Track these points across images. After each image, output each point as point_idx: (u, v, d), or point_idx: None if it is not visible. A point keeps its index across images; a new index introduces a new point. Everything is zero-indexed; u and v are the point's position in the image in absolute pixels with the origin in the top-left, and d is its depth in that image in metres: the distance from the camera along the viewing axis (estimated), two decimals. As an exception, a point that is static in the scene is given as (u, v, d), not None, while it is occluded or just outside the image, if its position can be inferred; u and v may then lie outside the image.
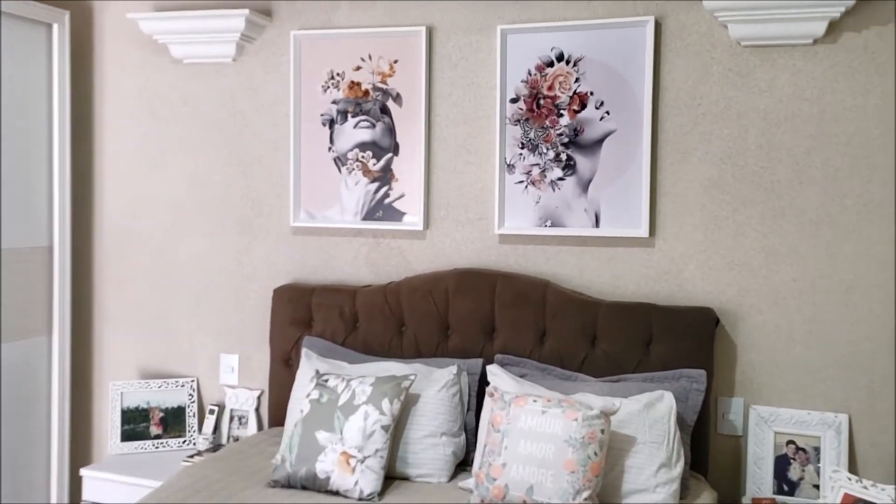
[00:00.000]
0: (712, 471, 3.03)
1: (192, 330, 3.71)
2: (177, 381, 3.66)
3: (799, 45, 2.96)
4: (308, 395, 2.93)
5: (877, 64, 2.89)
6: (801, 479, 2.97)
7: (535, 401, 2.66)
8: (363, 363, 3.17)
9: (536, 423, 2.60)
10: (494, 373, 3.00)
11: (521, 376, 3.00)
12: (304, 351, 3.25)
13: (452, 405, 2.98)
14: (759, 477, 3.01)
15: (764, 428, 3.03)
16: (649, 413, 2.75)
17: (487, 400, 2.88)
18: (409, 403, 2.93)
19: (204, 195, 3.68)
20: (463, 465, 3.00)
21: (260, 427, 3.60)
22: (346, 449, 2.75)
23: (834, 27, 2.89)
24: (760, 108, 3.01)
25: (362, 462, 2.73)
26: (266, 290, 3.56)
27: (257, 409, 3.61)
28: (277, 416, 3.41)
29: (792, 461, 2.99)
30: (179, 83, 3.69)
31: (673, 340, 3.00)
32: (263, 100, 3.58)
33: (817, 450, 2.96)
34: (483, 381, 3.10)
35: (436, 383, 2.99)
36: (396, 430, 2.86)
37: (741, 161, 3.04)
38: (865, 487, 2.63)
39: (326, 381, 2.94)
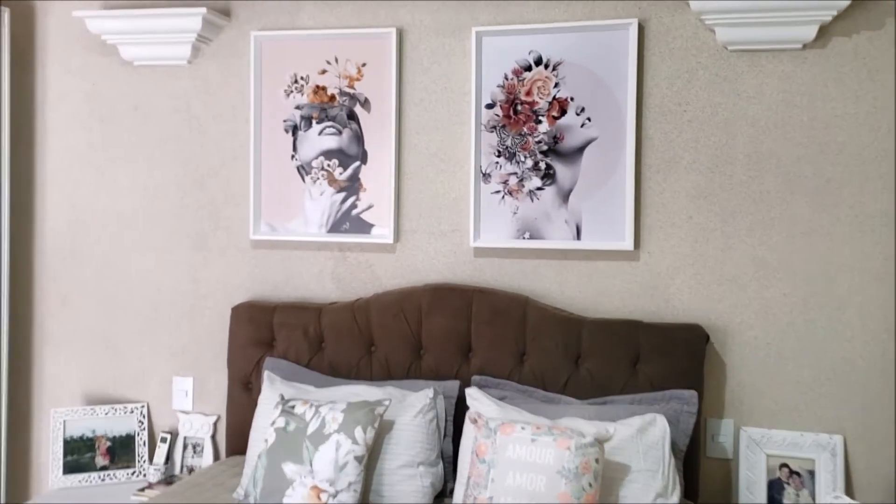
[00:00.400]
0: (703, 496, 2.87)
1: (143, 351, 3.44)
2: (125, 407, 3.38)
3: (788, 50, 2.84)
4: (273, 422, 2.70)
5: (868, 70, 2.78)
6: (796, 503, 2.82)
7: (522, 428, 2.46)
8: (331, 386, 2.95)
9: (526, 452, 2.40)
10: (474, 396, 2.79)
11: (501, 399, 2.81)
12: (265, 374, 3.02)
13: (429, 432, 2.77)
14: (752, 502, 2.85)
15: (756, 451, 2.87)
16: (643, 438, 2.57)
17: (469, 427, 2.68)
18: (383, 431, 2.70)
19: (156, 207, 3.42)
20: (440, 496, 2.78)
21: (217, 456, 3.34)
22: (316, 482, 2.52)
23: (824, 31, 2.78)
24: (749, 115, 2.88)
25: (334, 497, 2.50)
26: (223, 308, 3.32)
27: (213, 437, 3.35)
28: (236, 444, 3.16)
29: (786, 485, 2.84)
30: (130, 87, 3.44)
31: (661, 360, 2.84)
32: (221, 105, 3.34)
33: (812, 473, 2.82)
34: (460, 405, 2.90)
35: (411, 408, 2.78)
36: (369, 461, 2.63)
37: (729, 170, 2.90)
38: (869, 513, 2.49)
39: (293, 407, 2.70)
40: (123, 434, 3.36)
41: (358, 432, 2.58)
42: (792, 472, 2.84)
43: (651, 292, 2.98)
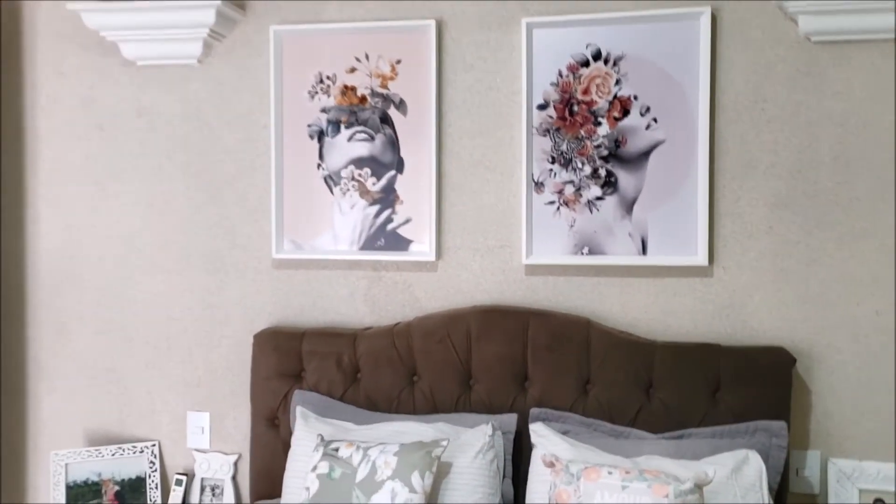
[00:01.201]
0: (788, 537, 2.60)
1: (152, 385, 3.08)
2: (134, 447, 3.02)
3: (878, 41, 2.55)
4: (314, 468, 2.38)
5: (969, 62, 2.51)
6: (894, 544, 2.55)
7: (610, 472, 2.16)
8: (373, 423, 2.63)
9: (617, 501, 2.10)
10: (540, 433, 2.49)
11: (564, 433, 2.51)
12: (298, 409, 2.69)
13: (490, 474, 2.46)
14: (844, 543, 2.58)
15: (846, 485, 2.59)
16: (738, 479, 2.29)
17: (540, 469, 2.39)
18: (439, 475, 2.39)
19: (164, 224, 3.07)
20: (503, 546, 2.48)
21: (238, 499, 3.00)
22: (371, 540, 2.20)
23: (920, 19, 2.51)
24: (835, 114, 2.59)
25: (393, 556, 2.19)
26: (243, 336, 2.98)
27: (234, 478, 3.01)
28: (263, 487, 2.83)
29: (882, 523, 2.57)
30: (133, 90, 3.07)
31: (743, 387, 2.55)
32: (237, 109, 2.99)
33: (911, 509, 2.55)
34: (519, 441, 2.60)
35: (468, 448, 2.46)
36: (426, 511, 2.33)
37: (814, 175, 2.61)
38: None
39: (336, 450, 2.39)
40: (133, 476, 3.01)
41: (415, 478, 2.28)
42: (888, 509, 2.57)
43: (727, 312, 2.68)
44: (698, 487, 2.12)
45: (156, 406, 3.09)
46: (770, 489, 2.40)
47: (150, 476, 3.02)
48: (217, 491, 3.00)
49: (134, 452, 3.03)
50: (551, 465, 2.25)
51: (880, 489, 2.58)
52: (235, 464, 3.01)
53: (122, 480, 3.00)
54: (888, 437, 2.60)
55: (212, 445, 3.05)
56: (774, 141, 2.64)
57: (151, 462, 3.03)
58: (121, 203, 3.10)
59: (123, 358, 3.10)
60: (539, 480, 2.39)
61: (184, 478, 3.00)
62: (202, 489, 3.01)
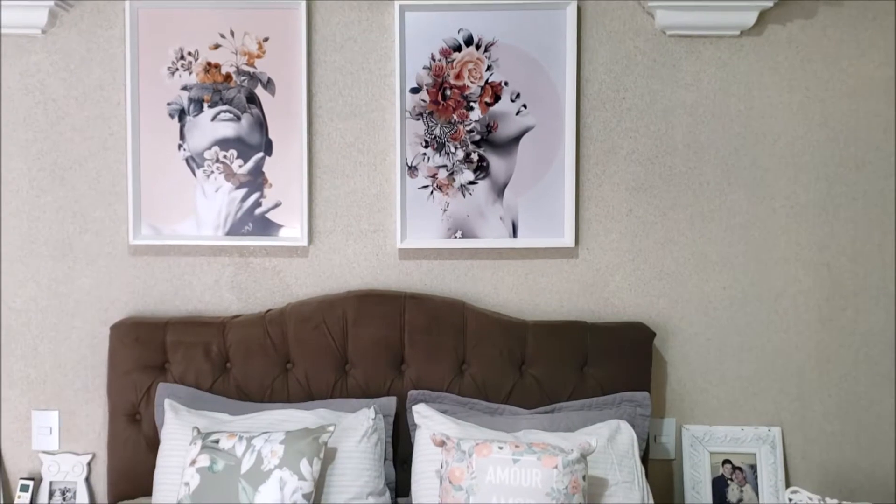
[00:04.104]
0: (648, 501, 2.76)
1: (-10, 383, 2.83)
2: (-31, 453, 2.77)
3: (726, 37, 2.76)
4: (193, 462, 2.27)
5: (801, 59, 2.76)
6: (741, 500, 2.77)
7: (500, 448, 2.21)
8: (250, 413, 2.54)
9: (509, 475, 2.16)
10: (423, 413, 2.51)
11: (442, 413, 2.54)
12: (166, 403, 2.55)
13: (375, 457, 2.45)
14: (698, 501, 2.78)
15: (699, 449, 2.80)
16: (613, 447, 2.41)
17: (427, 449, 2.41)
18: (324, 462, 2.35)
19: (4, 208, 2.79)
20: (390, 527, 2.49)
21: (93, 502, 2.80)
22: (264, 532, 2.14)
23: (761, 19, 2.72)
24: (687, 104, 2.78)
25: (286, 546, 2.13)
26: (96, 327, 2.78)
27: (88, 479, 2.81)
28: (123, 488, 2.66)
29: (729, 482, 2.79)
30: (-39, 60, 2.79)
31: (609, 361, 2.69)
32: (86, 84, 2.78)
33: (753, 467, 2.79)
34: (397, 423, 2.61)
35: (353, 432, 2.44)
36: (314, 497, 2.28)
37: (669, 161, 2.79)
38: (832, 508, 2.47)
39: (217, 441, 2.29)
40: (-31, 486, 2.76)
41: (304, 465, 2.24)
42: (735, 468, 2.79)
43: (591, 290, 2.81)
44: (583, 457, 2.21)
45: (-5, 406, 2.83)
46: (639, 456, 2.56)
47: (-10, 483, 2.77)
48: (69, 495, 2.79)
49: (-29, 458, 2.76)
50: (442, 443, 2.27)
51: (728, 451, 2.81)
52: (89, 464, 2.81)
53: (-42, 490, 2.74)
54: (735, 402, 2.83)
55: (61, 446, 2.82)
56: (634, 128, 2.79)
57: (-8, 468, 2.78)
58: (-50, 185, 2.80)
59: (-44, 355, 2.82)
60: (426, 460, 2.41)
61: (30, 483, 2.77)
62: (51, 493, 2.79)
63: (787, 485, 2.79)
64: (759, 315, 2.81)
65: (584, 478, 2.18)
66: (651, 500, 2.41)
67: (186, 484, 2.25)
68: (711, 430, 2.81)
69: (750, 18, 2.71)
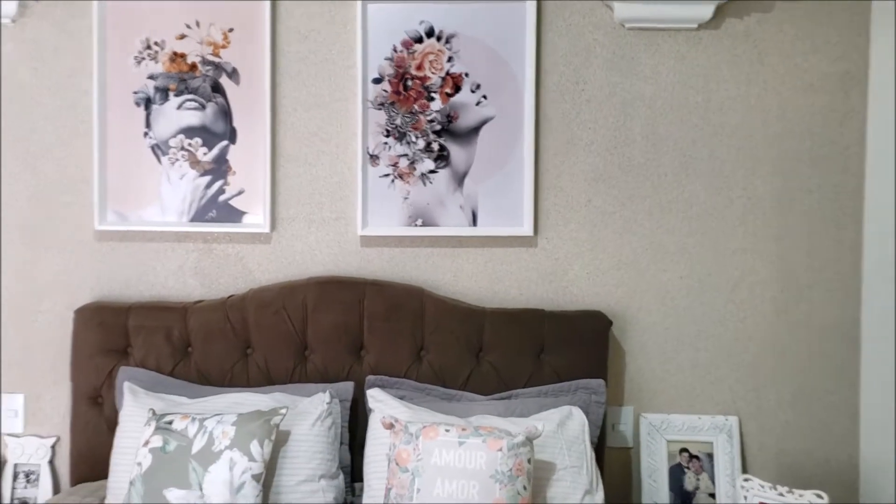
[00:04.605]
0: (605, 487, 2.73)
1: (-43, 367, 2.87)
2: (-65, 435, 2.81)
3: (683, 30, 2.80)
4: (146, 442, 2.30)
5: (759, 52, 2.80)
6: (697, 488, 2.80)
7: (447, 430, 2.24)
8: (207, 396, 2.58)
9: (454, 457, 2.18)
10: (378, 398, 2.54)
11: (399, 398, 2.58)
12: (125, 385, 2.59)
13: (329, 441, 2.48)
14: (655, 490, 2.80)
15: (656, 437, 2.83)
16: (563, 433, 2.44)
17: (378, 432, 2.44)
18: (277, 444, 2.39)
19: (-29, 193, 2.87)
20: (343, 509, 2.52)
21: (57, 485, 2.84)
22: (210, 509, 2.17)
23: (719, 12, 2.77)
24: (646, 96, 2.82)
25: (233, 524, 2.16)
26: (62, 311, 2.83)
27: (52, 462, 2.85)
28: (84, 470, 2.70)
29: (686, 470, 2.81)
30: (-67, 49, 2.85)
31: (566, 349, 2.72)
32: (56, 73, 2.83)
33: (710, 456, 2.81)
34: (355, 409, 2.64)
35: (307, 416, 2.47)
36: (266, 479, 2.31)
37: (627, 152, 2.83)
38: (781, 494, 2.48)
39: (170, 422, 2.32)
40: (-66, 467, 2.80)
41: (254, 447, 2.26)
42: (692, 457, 2.82)
43: (549, 279, 2.85)
44: (529, 440, 2.24)
45: (-38, 389, 2.87)
46: (591, 442, 2.58)
47: (-45, 464, 2.81)
48: (32, 477, 2.83)
49: (-64, 440, 2.81)
50: (390, 426, 2.31)
51: (685, 439, 2.83)
52: (53, 447, 2.85)
53: (-77, 470, 2.78)
54: (692, 391, 2.86)
55: (26, 429, 2.87)
56: (593, 120, 2.83)
57: (-43, 449, 2.82)
58: (-80, 170, 2.86)
59: (-77, 338, 2.87)
60: (378, 444, 2.44)
61: (-5, 465, 2.82)
62: (15, 476, 2.83)
63: (745, 473, 2.82)
64: (715, 305, 2.84)
65: (529, 461, 2.21)
66: (600, 485, 2.43)
67: (139, 464, 2.29)
68: (669, 418, 2.84)
69: (706, 11, 2.75)
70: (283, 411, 2.37)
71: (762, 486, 2.51)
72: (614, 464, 2.85)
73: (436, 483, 2.16)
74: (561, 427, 2.45)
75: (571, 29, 2.81)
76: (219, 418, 2.33)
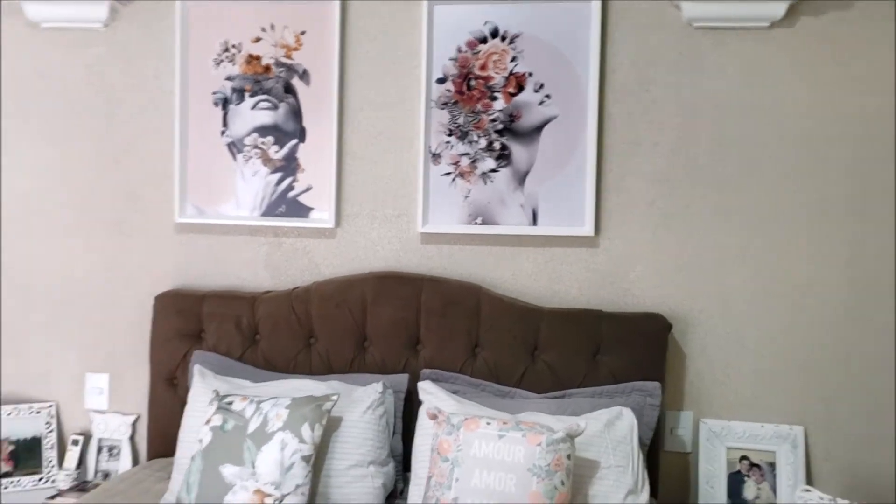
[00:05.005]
0: (661, 492, 2.75)
1: (51, 346, 3.10)
2: (30, 408, 3.04)
3: (754, 29, 2.73)
4: (208, 421, 2.44)
5: (834, 52, 2.71)
6: (757, 497, 2.73)
7: (488, 423, 2.28)
8: (269, 381, 2.70)
9: (493, 449, 2.22)
10: (428, 390, 2.60)
11: (453, 392, 2.63)
12: (196, 368, 2.74)
13: (379, 429, 2.56)
14: (712, 496, 2.75)
15: (715, 443, 2.78)
16: (611, 433, 2.43)
17: (425, 423, 2.50)
18: (329, 429, 2.48)
19: (66, 187, 3.08)
20: (391, 496, 2.58)
21: (136, 459, 3.04)
22: (260, 486, 2.28)
23: (793, 10, 2.69)
24: (712, 97, 2.77)
25: (281, 501, 2.26)
26: (144, 298, 3.01)
27: (132, 438, 3.05)
28: (160, 446, 2.88)
29: (746, 478, 2.75)
30: (36, 52, 3.07)
31: (623, 351, 2.71)
32: (142, 74, 3.02)
33: (772, 465, 2.74)
34: (409, 400, 2.71)
35: (359, 404, 2.56)
36: (316, 461, 2.41)
37: (692, 153, 2.78)
38: (839, 507, 2.41)
39: (230, 403, 2.45)
40: (29, 437, 3.02)
41: (305, 430, 2.36)
42: (752, 465, 2.75)
43: (610, 280, 2.84)
44: (570, 437, 2.25)
45: (53, 367, 3.10)
46: (643, 444, 2.56)
47: (45, 436, 3.04)
48: (114, 451, 3.04)
49: (30, 413, 3.04)
50: (434, 416, 2.36)
51: (746, 447, 2.77)
52: (133, 424, 3.04)
53: (18, 440, 3.01)
54: (754, 398, 2.79)
55: (110, 406, 3.08)
56: (658, 120, 2.80)
57: (48, 423, 3.05)
58: (21, 166, 3.10)
59: (22, 319, 3.11)
60: (424, 434, 2.50)
61: (80, 438, 3.02)
62: (99, 450, 3.04)
63: (811, 485, 2.73)
64: (780, 310, 2.76)
65: (568, 457, 2.22)
66: (646, 487, 2.42)
67: (200, 441, 2.42)
68: (730, 425, 2.78)
69: (779, 10, 2.68)
70: (335, 398, 2.46)
71: (821, 498, 2.43)
72: (671, 468, 2.81)
73: (474, 473, 2.21)
74: (609, 427, 2.45)
75: (638, 28, 2.79)
76: (274, 401, 2.44)
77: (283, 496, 2.28)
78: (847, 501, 2.39)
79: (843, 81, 2.71)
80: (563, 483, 2.19)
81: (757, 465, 2.75)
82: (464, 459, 2.24)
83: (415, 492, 2.45)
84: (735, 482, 2.75)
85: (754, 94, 2.75)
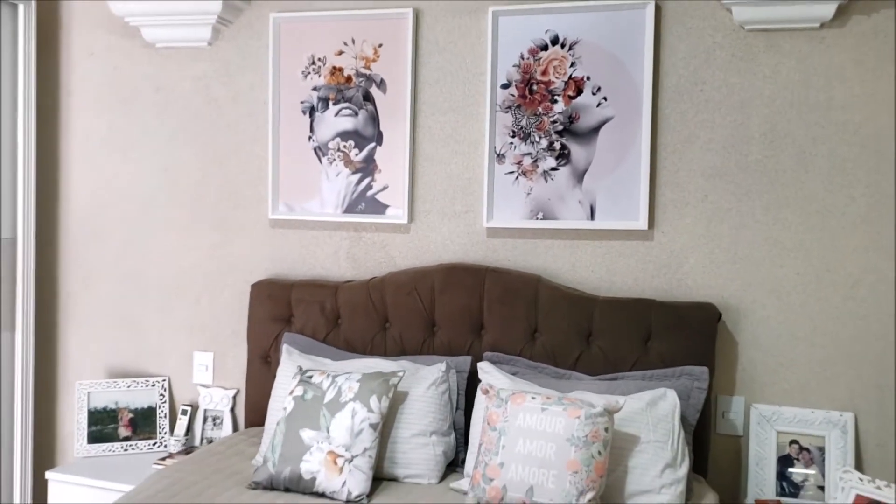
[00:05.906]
0: (712, 472, 2.89)
1: (163, 327, 3.52)
2: (147, 381, 3.46)
3: (805, 29, 2.83)
4: (291, 391, 2.76)
5: (888, 49, 2.77)
6: (806, 480, 2.83)
7: (533, 398, 2.50)
8: (347, 359, 3.01)
9: (536, 421, 2.44)
10: (486, 370, 2.84)
11: (513, 374, 2.85)
12: (284, 347, 3.08)
13: (441, 403, 2.82)
14: (761, 478, 2.87)
15: (766, 427, 2.89)
16: (652, 411, 2.60)
17: (481, 397, 2.74)
18: (396, 401, 2.77)
19: (177, 187, 3.49)
20: (452, 465, 2.85)
21: (235, 428, 3.42)
22: (333, 448, 2.59)
23: (842, 10, 2.77)
24: (765, 95, 2.88)
25: (350, 462, 2.56)
26: (242, 285, 3.38)
27: (233, 410, 3.42)
28: (255, 417, 3.23)
29: (795, 461, 2.85)
30: (151, 69, 3.50)
31: (673, 337, 2.86)
32: (240, 86, 3.40)
33: (822, 450, 2.83)
34: (472, 380, 2.95)
35: (424, 381, 2.83)
36: (384, 429, 2.70)
37: (745, 149, 2.91)
38: (879, 488, 2.50)
39: (311, 377, 2.77)
40: (145, 406, 3.44)
41: (373, 401, 2.64)
42: (802, 449, 2.85)
43: (664, 271, 2.99)
44: (608, 412, 2.44)
45: (166, 346, 3.52)
46: (688, 425, 2.72)
47: (159, 406, 3.45)
48: (218, 421, 3.41)
49: (147, 385, 3.46)
50: (486, 391, 2.60)
51: (796, 431, 2.87)
52: (234, 397, 3.42)
53: (136, 409, 3.43)
54: (806, 386, 2.88)
55: (214, 381, 3.46)
56: (711, 119, 2.93)
57: (161, 394, 3.46)
58: (140, 168, 3.53)
59: (139, 304, 3.54)
60: (479, 408, 2.75)
61: (189, 409, 3.42)
62: (204, 419, 3.43)
63: (859, 471, 2.81)
64: (834, 302, 2.85)
65: (606, 430, 2.41)
66: (685, 462, 2.56)
67: (284, 409, 2.74)
68: (780, 410, 2.88)
69: (828, 10, 2.75)
70: (401, 374, 2.74)
71: (860, 479, 2.53)
72: (723, 450, 2.95)
73: (518, 442, 2.43)
74: (651, 406, 2.61)
75: (691, 32, 2.93)
76: (347, 376, 2.74)
77: (353, 457, 2.57)
78: (885, 482, 2.48)
79: (894, 77, 2.77)
80: (599, 453, 2.38)
81: (806, 449, 2.85)
82: (510, 429, 2.46)
83: (469, 458, 2.70)
84: (785, 465, 2.86)
85: (807, 92, 2.84)
